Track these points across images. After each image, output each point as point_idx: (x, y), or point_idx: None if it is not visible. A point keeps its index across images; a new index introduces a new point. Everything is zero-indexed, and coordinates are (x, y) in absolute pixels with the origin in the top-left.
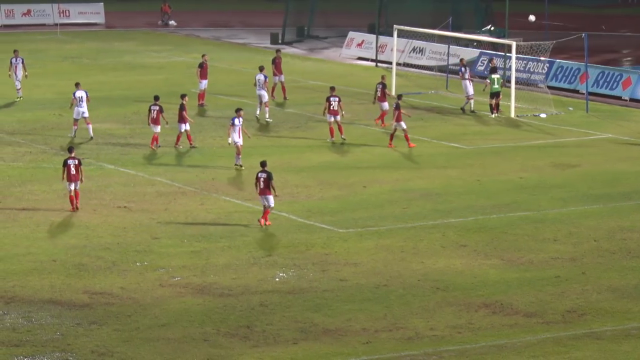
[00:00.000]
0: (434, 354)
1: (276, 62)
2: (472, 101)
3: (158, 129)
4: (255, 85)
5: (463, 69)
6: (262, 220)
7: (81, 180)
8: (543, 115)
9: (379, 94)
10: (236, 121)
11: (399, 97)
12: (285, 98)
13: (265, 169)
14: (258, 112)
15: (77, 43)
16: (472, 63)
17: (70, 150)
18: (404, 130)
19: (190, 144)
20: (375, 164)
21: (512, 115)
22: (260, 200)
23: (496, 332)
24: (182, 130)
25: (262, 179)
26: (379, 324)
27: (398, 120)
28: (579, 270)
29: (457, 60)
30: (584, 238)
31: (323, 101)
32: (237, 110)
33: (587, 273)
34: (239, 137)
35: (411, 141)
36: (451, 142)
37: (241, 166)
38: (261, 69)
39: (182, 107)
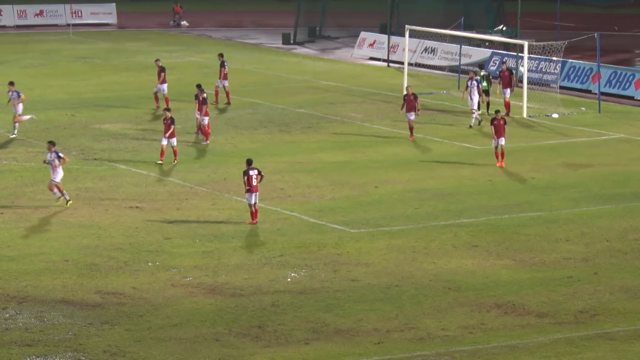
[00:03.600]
0: (445, 354)
1: (220, 67)
2: (476, 115)
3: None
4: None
5: (470, 82)
6: (254, 220)
7: None
8: (555, 115)
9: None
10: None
11: (497, 112)
12: (228, 103)
13: (253, 165)
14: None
15: (89, 43)
16: (483, 63)
17: None
18: (500, 146)
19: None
20: (387, 164)
21: (525, 115)
22: (248, 199)
23: (508, 333)
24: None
25: (254, 176)
26: (390, 324)
27: (499, 135)
28: (591, 271)
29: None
30: (596, 238)
31: (334, 101)
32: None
33: (599, 273)
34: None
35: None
36: (463, 142)
37: (58, 199)
38: (11, 84)
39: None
